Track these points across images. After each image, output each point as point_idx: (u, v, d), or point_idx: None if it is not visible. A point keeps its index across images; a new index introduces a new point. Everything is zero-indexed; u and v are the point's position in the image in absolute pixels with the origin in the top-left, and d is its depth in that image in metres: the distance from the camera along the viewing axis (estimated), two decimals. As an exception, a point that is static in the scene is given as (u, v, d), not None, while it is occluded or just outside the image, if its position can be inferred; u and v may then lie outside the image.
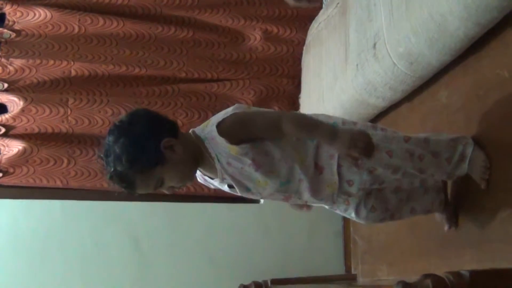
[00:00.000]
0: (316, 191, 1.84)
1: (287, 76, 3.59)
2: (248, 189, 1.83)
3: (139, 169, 1.73)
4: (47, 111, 3.30)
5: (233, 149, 1.73)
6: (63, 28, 3.42)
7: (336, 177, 1.83)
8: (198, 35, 3.56)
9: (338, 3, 2.96)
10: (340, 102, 2.85)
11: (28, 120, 3.29)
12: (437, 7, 1.98)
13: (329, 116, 1.93)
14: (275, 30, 3.60)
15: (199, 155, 1.79)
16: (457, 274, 1.33)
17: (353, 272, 3.32)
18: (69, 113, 3.33)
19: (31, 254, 3.27)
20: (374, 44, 2.46)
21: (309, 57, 3.38)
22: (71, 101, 3.34)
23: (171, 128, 1.80)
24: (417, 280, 1.36)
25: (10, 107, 3.34)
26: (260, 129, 1.76)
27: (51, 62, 3.36)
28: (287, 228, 3.45)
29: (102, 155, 1.76)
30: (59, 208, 3.33)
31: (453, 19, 1.95)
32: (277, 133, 1.74)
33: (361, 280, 3.17)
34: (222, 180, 1.81)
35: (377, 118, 2.88)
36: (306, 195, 1.84)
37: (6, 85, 3.32)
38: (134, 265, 3.35)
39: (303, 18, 3.59)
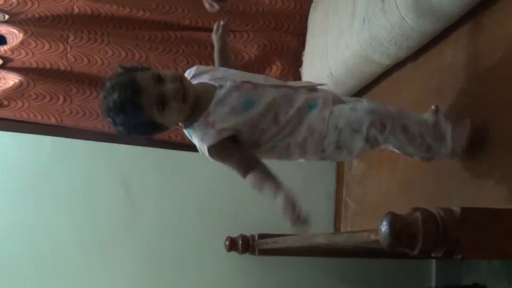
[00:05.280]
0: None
1: (293, 33, 3.52)
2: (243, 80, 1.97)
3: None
4: (47, 46, 3.24)
5: (207, 67, 2.18)
6: (69, -36, 3.36)
7: None
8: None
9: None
10: (343, 59, 2.80)
11: (27, 54, 3.24)
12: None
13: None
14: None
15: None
16: (448, 210, 1.30)
17: (341, 234, 3.30)
18: (68, 50, 3.27)
19: (20, 188, 3.24)
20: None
21: (316, 14, 3.33)
22: (71, 38, 3.28)
23: None
24: (407, 212, 1.33)
25: (9, 39, 3.28)
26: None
27: (55, -3, 3.31)
28: (280, 186, 3.41)
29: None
30: (50, 145, 3.29)
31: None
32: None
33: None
34: (219, 81, 1.94)
35: (380, 77, 2.84)
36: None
37: (7, 16, 3.25)
38: (122, 209, 3.33)
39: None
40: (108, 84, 1.82)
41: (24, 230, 3.21)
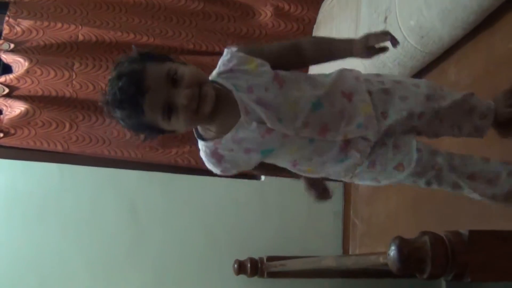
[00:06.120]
0: (351, 117, 1.62)
1: (296, 54, 3.53)
2: (279, 119, 1.57)
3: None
4: (52, 73, 3.27)
5: (252, 62, 1.59)
6: (73, -8, 3.40)
7: (367, 96, 1.66)
8: (208, 8, 3.53)
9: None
10: (347, 79, 2.81)
11: (32, 82, 3.26)
12: (453, -26, 1.95)
13: None
14: (287, 7, 3.56)
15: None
16: (456, 233, 1.29)
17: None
18: (74, 77, 3.30)
19: (28, 215, 3.23)
20: (385, 18, 2.42)
21: (318, 35, 3.34)
22: (76, 65, 3.31)
23: None
24: (415, 236, 1.33)
25: (15, 67, 3.31)
26: (277, 48, 1.69)
27: (59, 25, 3.33)
28: (287, 207, 3.41)
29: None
30: (57, 172, 3.30)
31: (468, -12, 1.92)
32: (295, 53, 1.67)
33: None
34: (247, 115, 1.56)
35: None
36: (343, 123, 1.62)
37: (12, 45, 3.28)
38: (129, 234, 3.32)
39: (315, -1, 3.55)
40: (115, 68, 1.56)
41: (32, 256, 3.21)
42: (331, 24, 3.09)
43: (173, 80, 1.50)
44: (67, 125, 3.28)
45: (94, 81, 3.31)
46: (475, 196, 1.71)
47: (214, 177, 3.31)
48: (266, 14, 3.57)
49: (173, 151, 3.36)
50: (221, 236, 3.41)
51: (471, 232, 1.28)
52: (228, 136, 1.59)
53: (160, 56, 1.60)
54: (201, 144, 1.66)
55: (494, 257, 1.29)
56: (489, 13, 2.00)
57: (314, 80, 1.67)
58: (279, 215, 3.45)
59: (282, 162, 1.72)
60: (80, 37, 3.35)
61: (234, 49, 1.62)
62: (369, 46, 1.60)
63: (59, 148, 3.28)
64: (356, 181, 1.79)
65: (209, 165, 1.68)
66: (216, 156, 1.64)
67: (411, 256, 1.27)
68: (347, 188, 3.43)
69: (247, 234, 3.41)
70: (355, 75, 1.72)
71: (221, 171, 1.68)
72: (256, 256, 3.24)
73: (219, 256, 3.35)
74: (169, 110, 1.50)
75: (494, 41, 2.04)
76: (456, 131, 1.80)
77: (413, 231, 2.53)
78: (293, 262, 2.76)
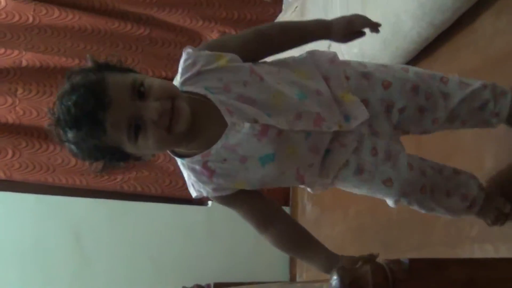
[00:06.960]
0: (338, 105, 1.45)
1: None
2: (268, 114, 1.36)
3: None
4: (-6, 100, 3.22)
5: (221, 57, 1.37)
6: (17, 17, 3.33)
7: (345, 81, 1.48)
8: (155, 33, 3.52)
9: (296, 7, 2.96)
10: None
11: (-26, 108, 3.20)
12: (392, 5, 2.00)
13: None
14: (233, 33, 3.58)
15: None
16: (397, 262, 1.31)
17: (297, 280, 3.30)
18: (17, 103, 3.24)
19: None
20: (329, 46, 2.45)
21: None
22: (20, 91, 3.25)
23: None
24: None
25: (-45, 93, 3.24)
26: (242, 40, 1.47)
27: (2, 50, 3.26)
28: (234, 233, 3.37)
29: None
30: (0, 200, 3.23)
31: (407, 19, 1.97)
32: (263, 43, 1.47)
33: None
34: (232, 115, 1.34)
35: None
36: (336, 113, 1.44)
37: (-47, 71, 3.23)
38: (73, 262, 3.27)
39: (262, 23, 3.56)
40: (67, 81, 1.30)
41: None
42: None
43: (140, 93, 1.27)
44: (10, 152, 3.21)
45: (37, 107, 3.26)
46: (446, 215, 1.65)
47: (160, 203, 3.36)
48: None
49: (118, 178, 3.32)
50: (168, 262, 3.38)
51: (411, 260, 1.29)
52: (218, 145, 1.35)
53: (121, 66, 1.37)
54: (184, 162, 1.40)
55: (431, 285, 1.30)
56: (428, 43, 2.06)
57: (289, 66, 1.48)
58: (226, 240, 3.44)
59: (289, 178, 1.47)
60: (24, 63, 3.30)
61: (192, 49, 1.39)
62: (352, 31, 1.49)
63: (2, 176, 3.21)
64: (338, 185, 1.56)
65: (198, 186, 1.42)
66: (206, 171, 1.38)
67: (353, 285, 1.28)
68: (293, 213, 3.44)
69: (194, 260, 3.39)
70: (330, 58, 1.52)
71: (214, 189, 1.40)
72: (203, 282, 3.23)
73: (165, 283, 3.32)
74: (136, 129, 1.26)
75: (433, 69, 2.09)
76: (457, 126, 1.62)
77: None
78: (240, 289, 2.75)
